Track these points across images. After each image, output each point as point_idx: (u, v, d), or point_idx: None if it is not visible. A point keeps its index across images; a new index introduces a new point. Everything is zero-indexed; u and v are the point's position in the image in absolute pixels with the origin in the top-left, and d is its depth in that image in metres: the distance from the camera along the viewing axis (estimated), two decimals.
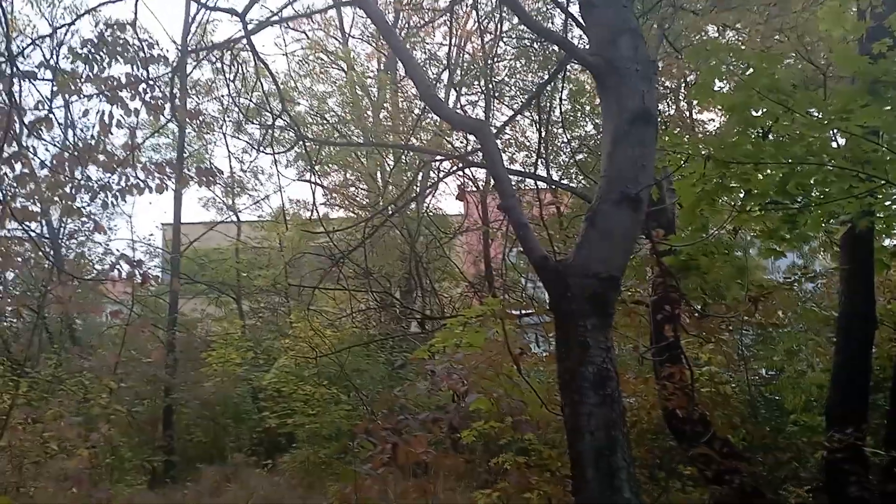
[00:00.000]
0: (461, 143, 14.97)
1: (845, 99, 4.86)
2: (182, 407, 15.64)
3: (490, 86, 14.18)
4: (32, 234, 5.92)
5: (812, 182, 5.47)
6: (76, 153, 6.41)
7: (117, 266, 6.02)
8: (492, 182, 17.33)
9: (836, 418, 5.42)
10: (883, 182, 5.10)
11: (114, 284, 17.51)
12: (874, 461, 5.46)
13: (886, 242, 6.51)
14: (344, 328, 15.12)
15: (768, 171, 5.59)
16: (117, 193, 6.32)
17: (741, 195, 5.77)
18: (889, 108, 5.09)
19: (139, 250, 18.64)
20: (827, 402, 5.76)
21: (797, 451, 5.98)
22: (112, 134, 6.63)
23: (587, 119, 16.02)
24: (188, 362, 16.25)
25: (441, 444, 4.74)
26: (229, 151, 19.92)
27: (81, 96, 6.40)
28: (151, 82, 6.62)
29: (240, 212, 20.17)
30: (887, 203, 5.83)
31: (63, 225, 13.69)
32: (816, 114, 5.13)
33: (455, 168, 10.71)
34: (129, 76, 6.34)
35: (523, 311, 6.55)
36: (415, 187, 15.29)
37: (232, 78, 7.61)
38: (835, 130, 5.18)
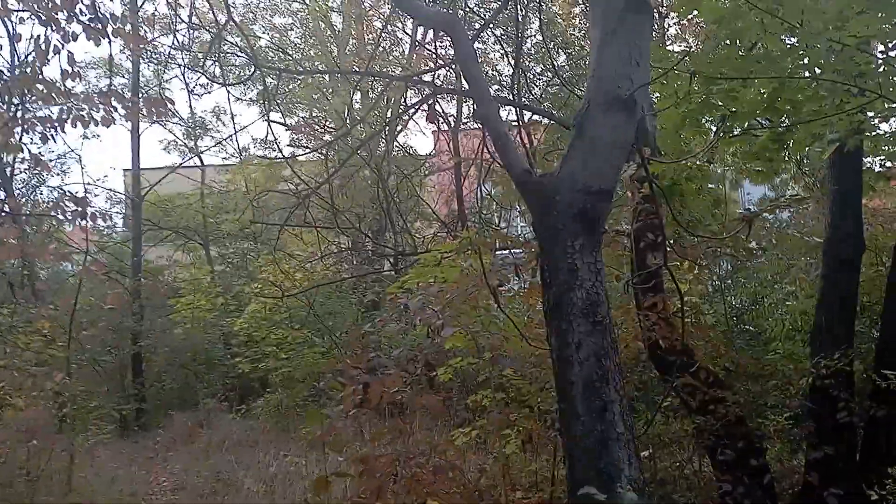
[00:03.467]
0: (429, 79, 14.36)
1: (840, 4, 4.52)
2: (151, 354, 15.31)
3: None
4: None
5: (802, 98, 5.19)
6: (9, 82, 5.85)
7: (61, 203, 5.55)
8: (463, 114, 16.84)
9: (821, 344, 5.29)
10: (876, 97, 4.83)
11: (72, 230, 16.89)
12: (860, 386, 5.37)
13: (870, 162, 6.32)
14: (314, 270, 14.77)
15: (755, 87, 5.29)
16: (55, 125, 5.79)
17: (724, 120, 5.47)
18: (883, 15, 4.77)
19: (98, 196, 17.88)
20: (812, 328, 5.61)
21: (783, 378, 5.87)
22: (48, 63, 6.07)
23: (560, 51, 15.50)
24: (155, 309, 15.84)
25: (416, 382, 4.49)
26: (187, 87, 18.85)
27: (12, 18, 5.79)
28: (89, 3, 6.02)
29: (202, 153, 19.40)
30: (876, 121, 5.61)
31: (8, 167, 12.90)
32: (809, 23, 4.80)
33: (426, 98, 10.18)
34: None
35: (499, 245, 6.26)
36: (384, 118, 14.70)
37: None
38: (826, 41, 4.86)
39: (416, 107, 10.05)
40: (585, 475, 2.75)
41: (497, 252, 6.24)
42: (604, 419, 2.77)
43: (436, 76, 9.55)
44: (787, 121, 5.29)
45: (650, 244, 4.80)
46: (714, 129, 5.73)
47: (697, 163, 5.57)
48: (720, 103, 5.31)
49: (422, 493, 4.22)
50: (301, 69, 14.97)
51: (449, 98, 15.99)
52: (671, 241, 5.14)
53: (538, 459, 6.01)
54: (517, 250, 5.77)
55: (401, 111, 14.46)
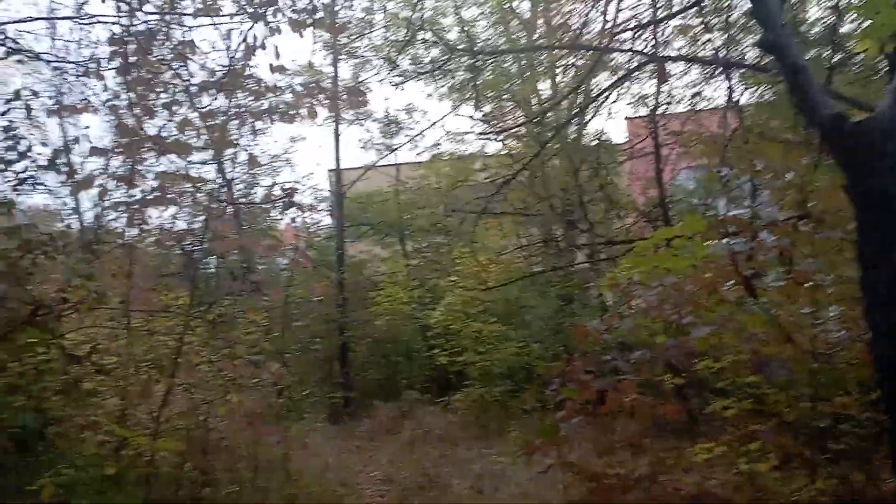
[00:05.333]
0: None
1: None
2: (355, 345, 15.94)
3: None
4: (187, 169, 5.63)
5: None
6: (223, 79, 6.01)
7: (272, 195, 5.62)
8: (661, 97, 15.56)
9: None
10: None
11: (285, 228, 18.13)
12: None
13: None
14: (509, 263, 14.44)
15: None
16: (265, 119, 5.87)
17: None
18: None
19: (305, 194, 19.03)
20: None
21: None
22: (255, 57, 6.18)
23: None
24: (358, 302, 16.48)
25: (650, 387, 3.82)
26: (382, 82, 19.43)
27: (220, 14, 5.93)
28: None
29: (397, 149, 19.95)
30: None
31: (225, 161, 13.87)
32: None
33: (626, 73, 9.32)
34: None
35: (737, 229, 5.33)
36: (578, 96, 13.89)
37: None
38: None
39: (628, 75, 9.18)
40: None
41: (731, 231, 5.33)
42: None
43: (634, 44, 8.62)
44: None
45: None
46: None
47: None
48: None
49: None
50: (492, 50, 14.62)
51: (642, 78, 14.86)
52: None
53: (793, 482, 5.02)
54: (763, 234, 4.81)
55: (596, 94, 13.58)
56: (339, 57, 15.79)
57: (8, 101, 5.84)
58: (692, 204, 15.52)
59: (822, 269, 3.79)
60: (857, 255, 2.29)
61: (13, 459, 4.06)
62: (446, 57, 10.04)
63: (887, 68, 6.93)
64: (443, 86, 17.58)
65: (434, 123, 20.22)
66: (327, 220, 20.69)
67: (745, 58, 12.64)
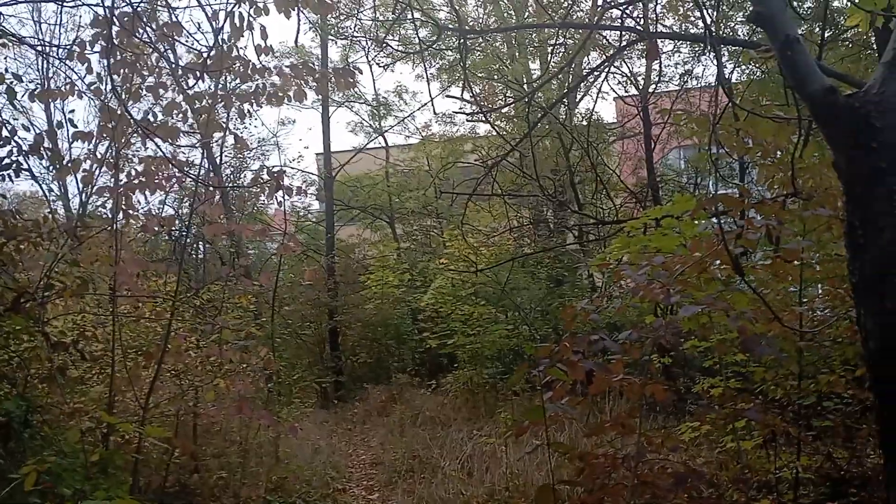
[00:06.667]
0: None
1: None
2: (346, 329, 15.93)
3: None
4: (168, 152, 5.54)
5: None
6: (210, 60, 5.89)
7: (259, 177, 5.56)
8: (654, 76, 15.50)
9: None
10: None
11: (274, 213, 18.01)
12: None
13: None
14: (499, 245, 14.42)
15: None
16: (252, 101, 5.79)
17: None
18: None
19: (294, 177, 18.90)
20: None
21: None
22: (242, 38, 6.08)
23: None
24: (348, 286, 16.45)
25: (642, 369, 3.82)
26: (370, 62, 19.20)
27: None
28: None
29: (386, 132, 19.83)
30: None
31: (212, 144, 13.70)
32: None
33: (616, 51, 9.24)
34: None
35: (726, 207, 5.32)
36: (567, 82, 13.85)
37: None
38: None
39: (618, 52, 9.10)
40: None
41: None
42: None
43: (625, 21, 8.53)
44: None
45: None
46: None
47: None
48: None
49: (652, 500, 3.56)
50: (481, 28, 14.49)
51: (631, 58, 14.80)
52: None
53: (777, 459, 5.07)
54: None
55: (586, 72, 13.52)
56: (328, 38, 15.61)
57: None
58: (682, 184, 15.55)
59: (809, 248, 3.78)
60: (844, 232, 2.27)
61: None
62: (435, 37, 9.93)
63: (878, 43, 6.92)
64: (432, 66, 17.47)
65: (424, 105, 20.05)
66: (317, 205, 20.62)
67: (737, 34, 12.61)
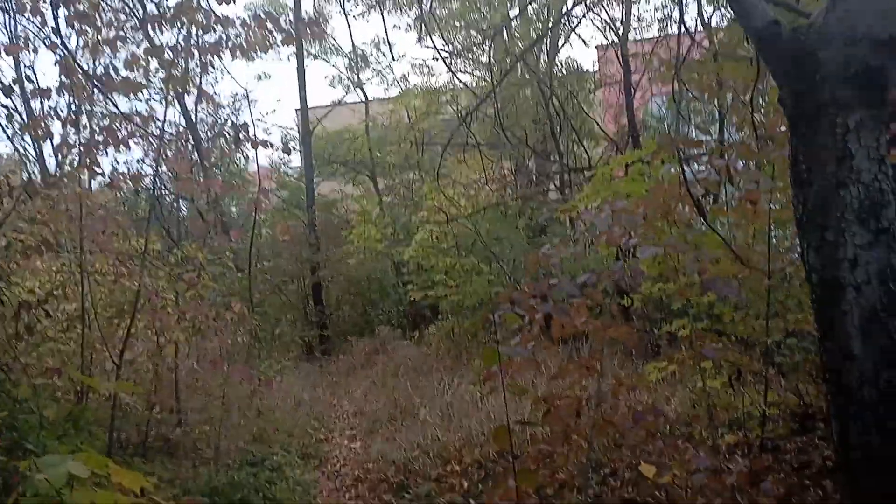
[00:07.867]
0: None
1: None
2: (329, 284, 15.95)
3: None
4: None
5: None
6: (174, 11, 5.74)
7: (225, 131, 5.47)
8: (633, 21, 15.23)
9: None
10: None
11: (255, 171, 17.75)
12: None
13: None
14: (479, 196, 14.39)
15: None
16: (216, 53, 5.65)
17: None
18: None
19: (272, 134, 18.64)
20: None
21: None
22: None
23: None
24: (330, 240, 16.41)
25: (604, 312, 3.85)
26: (345, 12, 18.72)
27: None
28: None
29: (364, 84, 19.50)
30: None
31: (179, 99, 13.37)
32: None
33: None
34: None
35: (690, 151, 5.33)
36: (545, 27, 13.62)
37: None
38: None
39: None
40: (864, 438, 2.02)
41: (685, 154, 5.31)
42: (893, 364, 1.99)
43: None
44: None
45: None
46: None
47: None
48: None
49: (615, 438, 3.64)
50: None
51: (610, 3, 14.54)
52: None
53: (744, 397, 5.20)
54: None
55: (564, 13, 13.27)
56: None
57: None
58: (661, 131, 15.48)
59: (770, 189, 3.80)
60: (790, 167, 2.27)
61: None
62: None
63: None
64: (407, 16, 17.12)
65: (402, 56, 19.71)
66: (297, 160, 20.37)
67: None
